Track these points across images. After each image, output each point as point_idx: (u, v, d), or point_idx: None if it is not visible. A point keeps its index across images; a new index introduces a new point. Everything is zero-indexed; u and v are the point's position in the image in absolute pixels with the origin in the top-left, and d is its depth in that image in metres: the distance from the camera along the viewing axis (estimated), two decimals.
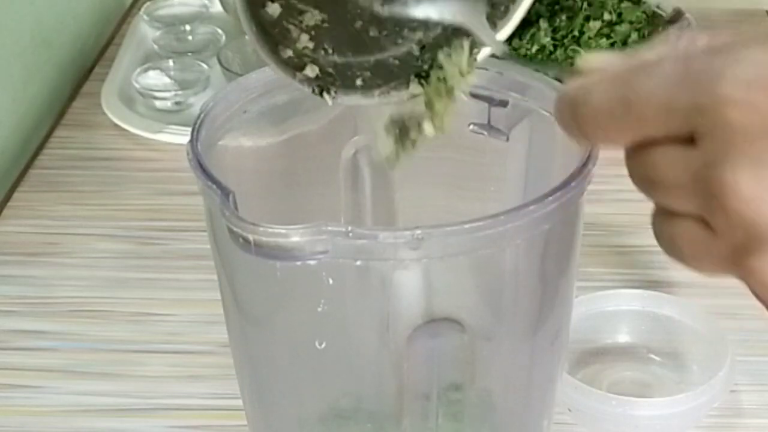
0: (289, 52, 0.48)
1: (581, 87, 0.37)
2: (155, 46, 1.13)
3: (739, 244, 0.35)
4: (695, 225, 0.36)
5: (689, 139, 0.35)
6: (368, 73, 0.49)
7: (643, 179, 0.37)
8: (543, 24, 1.03)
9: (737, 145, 0.33)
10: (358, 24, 0.49)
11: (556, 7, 1.06)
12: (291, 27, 0.49)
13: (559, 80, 0.49)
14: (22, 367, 0.76)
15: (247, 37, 0.48)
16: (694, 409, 0.66)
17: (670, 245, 0.37)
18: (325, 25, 0.49)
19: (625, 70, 0.37)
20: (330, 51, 0.49)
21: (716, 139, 0.34)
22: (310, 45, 0.49)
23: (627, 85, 0.36)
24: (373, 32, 0.49)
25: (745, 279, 0.35)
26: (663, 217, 0.37)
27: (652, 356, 0.73)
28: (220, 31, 1.14)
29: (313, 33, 0.49)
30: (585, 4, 1.05)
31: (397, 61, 0.49)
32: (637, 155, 0.37)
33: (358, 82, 0.49)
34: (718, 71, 0.34)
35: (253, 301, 0.52)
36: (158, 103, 1.05)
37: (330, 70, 0.49)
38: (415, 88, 0.49)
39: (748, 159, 0.33)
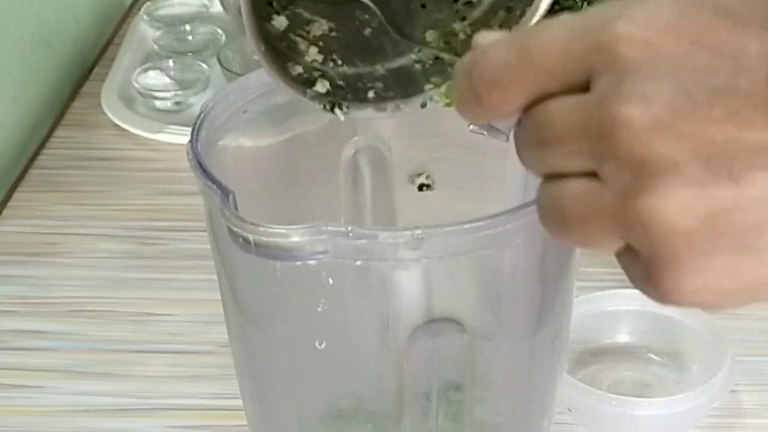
0: (299, 69, 0.48)
1: (476, 50, 0.37)
2: (155, 46, 1.13)
3: (627, 185, 0.33)
4: (582, 181, 0.34)
5: (584, 87, 0.34)
6: (380, 84, 0.49)
7: (533, 141, 0.36)
8: None
9: (629, 81, 0.33)
10: (367, 32, 0.49)
11: (556, 7, 1.06)
12: (298, 39, 0.48)
13: None
14: (22, 367, 0.76)
15: (255, 57, 0.46)
16: (694, 409, 0.66)
17: (553, 212, 0.36)
18: (333, 34, 0.49)
19: (524, 29, 0.36)
20: (339, 62, 0.49)
21: (610, 76, 0.33)
22: (319, 57, 0.48)
23: (525, 38, 0.35)
24: (382, 40, 0.49)
25: (631, 229, 0.33)
26: (548, 184, 0.36)
27: (652, 356, 0.73)
28: (220, 31, 1.14)
29: (321, 44, 0.49)
30: (585, 4, 1.05)
31: (409, 70, 0.49)
32: (530, 116, 0.36)
33: (370, 94, 0.49)
34: (617, 13, 0.34)
35: (253, 301, 0.52)
36: (158, 103, 1.05)
37: (341, 83, 0.48)
38: (429, 94, 0.48)
39: (639, 94, 0.33)
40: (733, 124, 0.32)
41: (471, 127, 0.55)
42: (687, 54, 0.33)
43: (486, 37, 0.37)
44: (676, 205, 0.32)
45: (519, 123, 0.36)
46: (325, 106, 0.48)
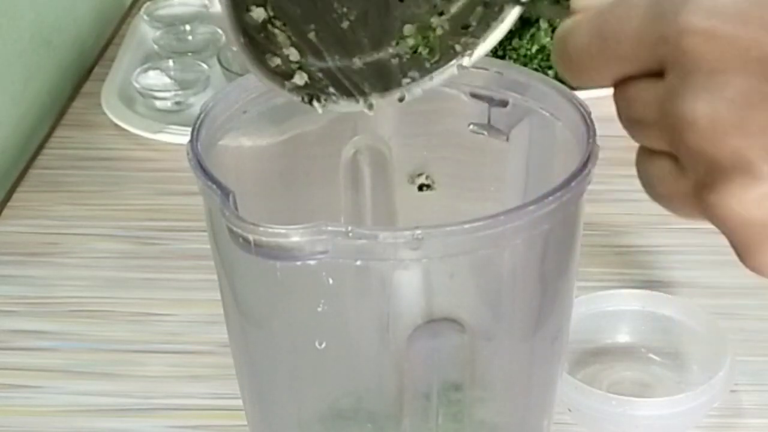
0: (277, 60, 0.47)
1: (565, 27, 0.37)
2: (155, 46, 1.13)
3: (700, 179, 0.34)
4: (667, 162, 0.35)
5: (660, 73, 0.34)
6: (357, 77, 0.49)
7: (625, 117, 0.37)
8: (543, 24, 1.03)
9: (694, 76, 0.33)
10: (345, 24, 0.49)
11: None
12: (277, 31, 0.48)
13: (561, 81, 0.49)
14: (22, 367, 0.76)
15: (234, 49, 0.47)
16: (694, 409, 0.66)
17: (647, 184, 0.37)
18: (311, 26, 0.49)
19: (604, 6, 0.36)
20: (317, 55, 0.48)
21: (677, 70, 0.33)
22: (295, 54, 0.48)
23: (602, 21, 0.35)
24: (360, 33, 0.49)
25: (707, 217, 0.35)
26: (643, 156, 0.37)
27: (652, 356, 0.73)
28: (220, 31, 1.14)
29: (298, 36, 0.48)
30: None
31: (386, 63, 0.49)
32: (619, 93, 0.36)
33: (348, 84, 0.48)
34: (683, 0, 0.33)
35: (253, 301, 0.52)
36: (158, 103, 1.05)
37: (319, 75, 0.48)
38: (406, 88, 0.48)
39: (705, 90, 0.32)
40: None
41: (471, 127, 0.55)
42: (754, 43, 0.32)
43: (579, 1, 0.38)
44: (747, 201, 0.33)
45: (614, 96, 0.37)
46: (303, 99, 0.47)
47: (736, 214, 0.33)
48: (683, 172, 0.35)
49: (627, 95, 0.36)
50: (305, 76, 0.47)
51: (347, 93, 0.48)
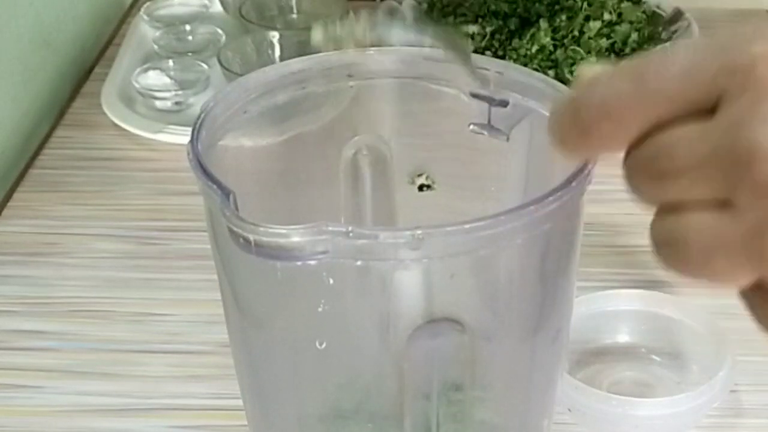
0: None
1: (582, 83, 0.35)
2: (155, 46, 1.13)
3: (764, 217, 0.31)
4: (708, 212, 0.32)
5: (706, 115, 0.32)
6: None
7: (650, 172, 0.33)
8: (543, 24, 1.03)
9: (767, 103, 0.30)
10: None
11: (556, 7, 1.06)
12: None
13: (561, 80, 0.49)
14: (22, 367, 0.76)
15: None
16: (694, 409, 0.66)
17: (674, 246, 0.33)
18: None
19: (637, 59, 0.34)
20: None
21: (746, 99, 0.31)
22: None
23: (640, 64, 0.33)
24: None
25: (760, 265, 0.31)
26: (666, 217, 0.33)
27: (652, 356, 0.73)
28: (220, 31, 1.14)
29: None
30: (585, 4, 1.05)
31: None
32: (646, 146, 0.33)
33: None
34: (750, 34, 0.32)
35: (253, 301, 0.52)
36: (158, 103, 1.05)
37: None
38: None
39: None
40: None
41: (471, 127, 0.55)
42: None
43: (591, 71, 0.35)
44: None
45: (629, 154, 0.34)
46: None
47: None
48: (735, 215, 0.31)
49: (663, 142, 0.33)
50: None
51: None
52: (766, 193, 0.31)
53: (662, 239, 0.34)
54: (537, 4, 1.07)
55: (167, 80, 1.07)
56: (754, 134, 0.31)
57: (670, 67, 0.33)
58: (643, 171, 0.34)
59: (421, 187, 0.59)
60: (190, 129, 0.50)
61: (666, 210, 0.34)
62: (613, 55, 1.02)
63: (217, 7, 1.19)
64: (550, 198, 0.45)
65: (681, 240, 0.33)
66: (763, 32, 0.32)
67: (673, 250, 0.33)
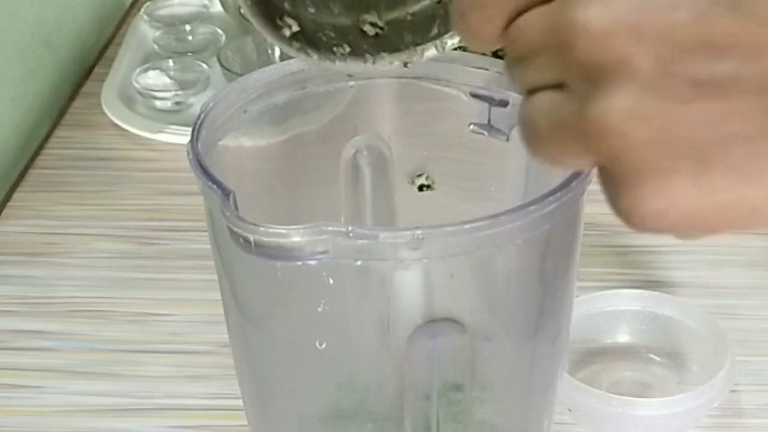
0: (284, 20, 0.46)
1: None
2: (155, 46, 1.13)
3: (586, 94, 0.31)
4: (550, 93, 0.33)
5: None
6: (367, 40, 0.48)
7: (512, 58, 0.34)
8: None
9: None
10: None
11: None
12: None
13: None
14: (22, 367, 0.76)
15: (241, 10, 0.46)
16: (694, 409, 0.66)
17: (526, 127, 0.34)
18: None
19: None
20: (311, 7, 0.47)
21: None
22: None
23: None
24: None
25: (591, 140, 0.31)
26: (524, 100, 0.34)
27: (652, 356, 0.73)
28: (220, 31, 1.14)
29: None
30: None
31: (402, 22, 0.48)
32: (508, 34, 0.34)
33: (359, 43, 0.47)
34: None
35: (253, 301, 0.52)
36: (158, 103, 1.05)
37: (331, 34, 0.47)
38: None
39: None
40: (699, 27, 0.30)
41: (471, 127, 0.55)
42: None
43: None
44: (629, 112, 0.30)
45: (504, 41, 0.35)
46: (298, 46, 0.46)
47: (616, 126, 0.30)
48: (566, 95, 0.32)
49: (517, 28, 0.33)
50: (295, 24, 0.47)
51: (358, 53, 0.47)
52: (586, 69, 0.31)
53: (520, 120, 0.35)
54: None
55: (167, 80, 1.07)
56: (575, 13, 0.31)
57: None
58: (508, 56, 0.35)
59: (421, 187, 0.59)
60: (190, 129, 0.50)
61: (527, 95, 0.35)
62: None
63: (217, 7, 1.19)
64: (550, 198, 0.45)
65: (528, 120, 0.34)
66: None
67: (526, 131, 0.35)
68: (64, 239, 0.88)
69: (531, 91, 0.34)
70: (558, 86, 0.33)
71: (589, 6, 0.31)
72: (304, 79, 0.54)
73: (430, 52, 0.47)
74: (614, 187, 0.32)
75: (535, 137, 0.34)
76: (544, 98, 0.33)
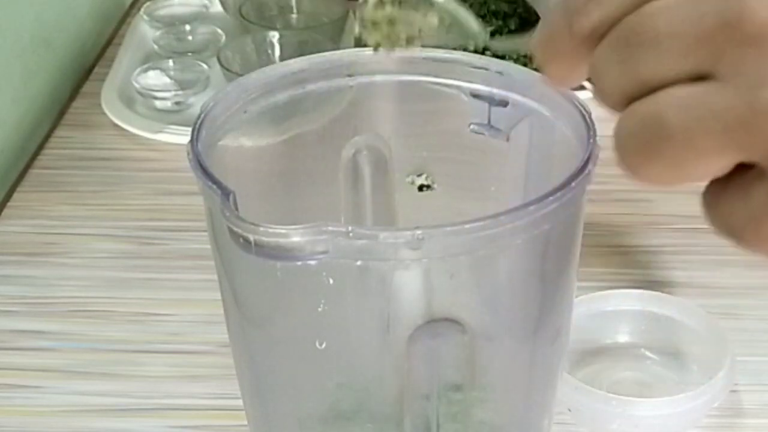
0: None
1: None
2: (155, 46, 1.13)
3: (758, 78, 0.28)
4: (688, 85, 0.30)
5: None
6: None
7: (625, 46, 0.31)
8: None
9: None
10: None
11: None
12: None
13: None
14: (22, 367, 0.76)
15: None
16: (694, 409, 0.66)
17: (651, 127, 0.30)
18: None
19: None
20: None
21: None
22: None
23: None
24: None
25: (758, 133, 0.28)
26: (637, 104, 0.31)
27: (652, 356, 0.73)
28: (220, 31, 1.14)
29: None
30: None
31: None
32: (624, 22, 0.31)
33: None
34: None
35: (253, 301, 0.52)
36: (158, 103, 1.05)
37: None
38: None
39: None
40: None
41: (471, 127, 0.55)
42: None
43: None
44: None
45: (603, 39, 0.32)
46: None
47: None
48: (722, 83, 0.29)
49: (641, 14, 0.30)
50: None
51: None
52: (758, 51, 0.28)
53: (634, 125, 0.31)
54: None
55: (167, 80, 1.07)
56: None
57: None
58: (618, 45, 0.31)
59: (421, 187, 0.59)
60: (190, 129, 0.50)
61: (639, 95, 0.31)
62: None
63: (217, 7, 1.19)
64: (550, 198, 0.45)
65: (660, 118, 0.30)
66: None
67: (649, 132, 0.30)
68: (64, 239, 0.88)
69: (648, 89, 0.30)
70: (693, 79, 0.30)
71: None
72: (304, 79, 0.54)
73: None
74: None
75: (672, 137, 0.30)
76: (679, 93, 0.30)
